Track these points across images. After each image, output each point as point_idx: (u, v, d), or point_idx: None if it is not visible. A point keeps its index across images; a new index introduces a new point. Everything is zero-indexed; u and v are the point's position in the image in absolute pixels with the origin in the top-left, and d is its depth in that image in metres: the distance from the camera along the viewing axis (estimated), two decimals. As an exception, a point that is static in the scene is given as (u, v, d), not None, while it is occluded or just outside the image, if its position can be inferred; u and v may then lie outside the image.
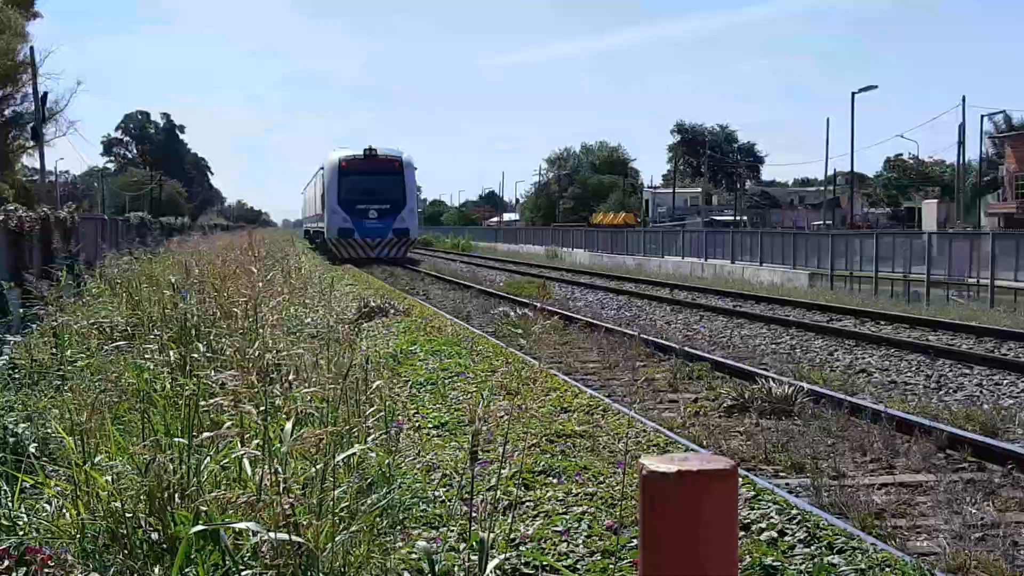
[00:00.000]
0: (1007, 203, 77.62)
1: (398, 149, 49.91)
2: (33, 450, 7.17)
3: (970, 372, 16.21)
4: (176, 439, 5.54)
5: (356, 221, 47.47)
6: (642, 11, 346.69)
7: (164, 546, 4.89)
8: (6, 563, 4.86)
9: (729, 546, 1.57)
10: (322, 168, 52.19)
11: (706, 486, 1.49)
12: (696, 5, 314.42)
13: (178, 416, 6.59)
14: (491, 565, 4.71)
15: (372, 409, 7.83)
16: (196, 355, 8.51)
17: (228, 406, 4.73)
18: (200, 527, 4.60)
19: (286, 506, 4.22)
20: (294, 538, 4.40)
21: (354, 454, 5.86)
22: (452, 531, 6.50)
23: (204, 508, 4.85)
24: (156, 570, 4.76)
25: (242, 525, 4.38)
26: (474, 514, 6.70)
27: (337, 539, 4.73)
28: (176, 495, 5.06)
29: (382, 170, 47.87)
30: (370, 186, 47.43)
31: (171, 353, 8.61)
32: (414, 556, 5.63)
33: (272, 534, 4.33)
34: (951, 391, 14.75)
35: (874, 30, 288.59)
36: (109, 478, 5.09)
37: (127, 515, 4.95)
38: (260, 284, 9.26)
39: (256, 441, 4.86)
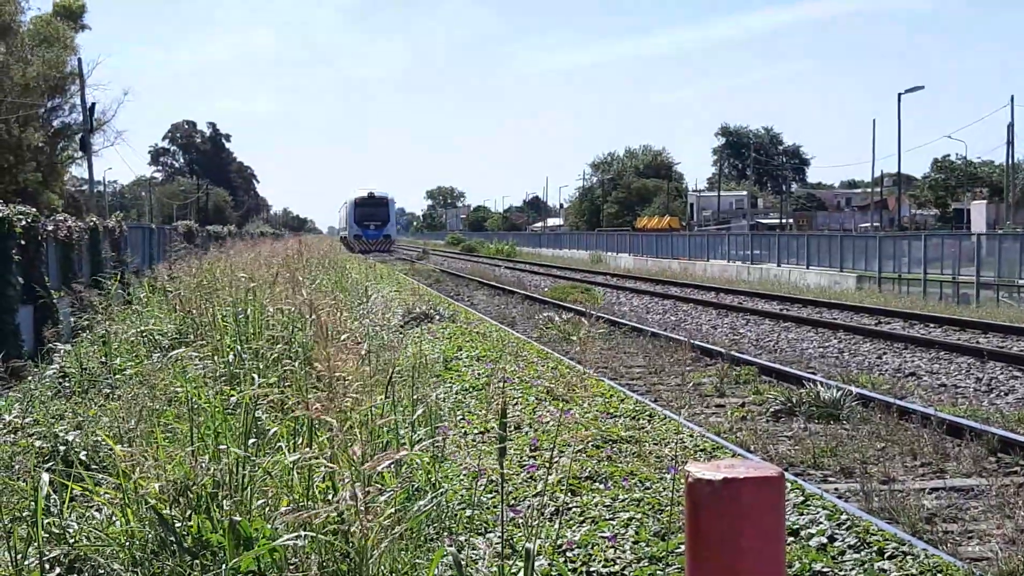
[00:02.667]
0: (1057, 203, 76.60)
1: (387, 192, 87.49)
2: (83, 458, 7.24)
3: (1021, 375, 16.00)
4: (232, 448, 5.57)
5: (363, 231, 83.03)
6: (688, 13, 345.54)
7: (209, 553, 4.91)
8: (57, 571, 4.91)
9: (776, 553, 1.55)
10: (346, 202, 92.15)
11: (752, 493, 1.48)
12: (741, 6, 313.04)
13: (227, 425, 6.63)
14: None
15: (418, 414, 7.85)
16: (244, 363, 8.56)
17: (313, 415, 4.74)
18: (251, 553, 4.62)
19: (334, 512, 4.23)
20: (329, 542, 4.41)
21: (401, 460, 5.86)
22: (499, 537, 6.49)
23: (241, 517, 4.88)
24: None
25: (288, 540, 4.39)
26: (520, 520, 6.70)
27: (383, 544, 4.74)
28: (225, 501, 5.09)
29: (377, 204, 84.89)
30: (370, 212, 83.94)
31: (221, 360, 8.67)
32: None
33: (318, 538, 4.33)
34: (1002, 394, 14.57)
35: (921, 30, 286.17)
36: (157, 486, 5.13)
37: (175, 523, 4.98)
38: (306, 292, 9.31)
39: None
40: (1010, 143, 70.55)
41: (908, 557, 6.28)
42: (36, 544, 5.07)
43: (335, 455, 4.80)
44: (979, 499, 9.03)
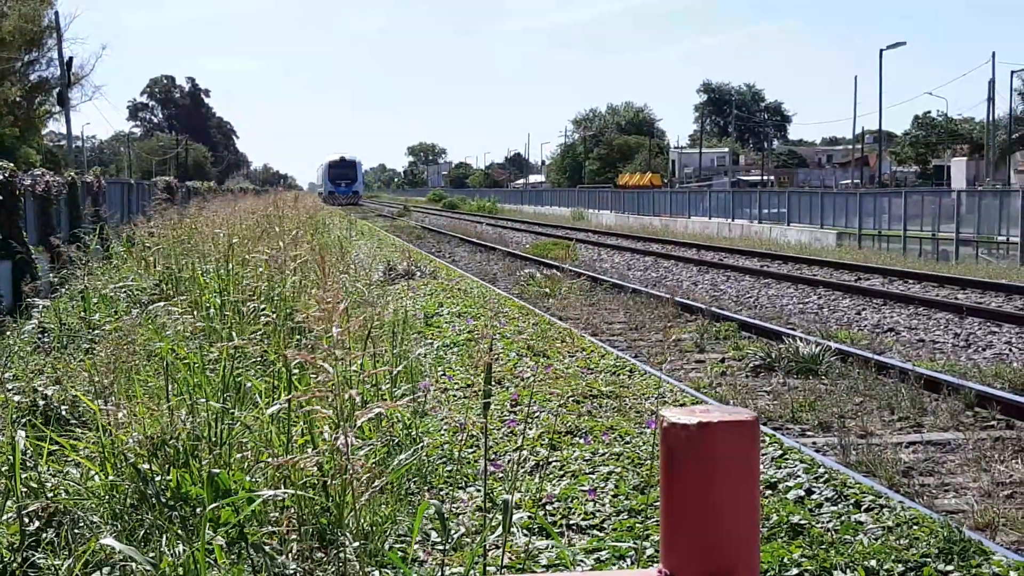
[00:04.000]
0: (1037, 160, 76.80)
1: (355, 155, 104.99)
2: (63, 412, 7.23)
3: (999, 330, 16.10)
4: (209, 402, 5.57)
5: (336, 187, 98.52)
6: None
7: (188, 506, 4.92)
8: (36, 524, 4.91)
9: (751, 497, 1.55)
10: (322, 163, 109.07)
11: (727, 437, 1.48)
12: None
13: (205, 379, 6.62)
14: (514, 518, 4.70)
15: (399, 369, 7.85)
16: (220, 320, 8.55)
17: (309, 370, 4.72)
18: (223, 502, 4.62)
19: (314, 465, 4.23)
20: (308, 496, 4.41)
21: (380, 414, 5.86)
22: (479, 491, 6.52)
23: (220, 470, 4.88)
24: (181, 532, 4.79)
25: (268, 494, 4.39)
26: (500, 474, 6.73)
27: (364, 498, 4.75)
28: (202, 455, 5.09)
29: (347, 166, 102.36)
30: (341, 172, 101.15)
31: (201, 315, 8.65)
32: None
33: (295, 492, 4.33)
34: (980, 349, 14.66)
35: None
36: (133, 439, 5.13)
37: (154, 476, 4.99)
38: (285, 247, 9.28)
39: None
40: (991, 100, 70.63)
41: (885, 510, 6.34)
42: (15, 497, 5.06)
43: (321, 401, 4.80)
44: (956, 453, 9.10)
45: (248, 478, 4.94)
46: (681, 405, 9.07)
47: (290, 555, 4.57)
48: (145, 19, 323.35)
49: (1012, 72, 74.81)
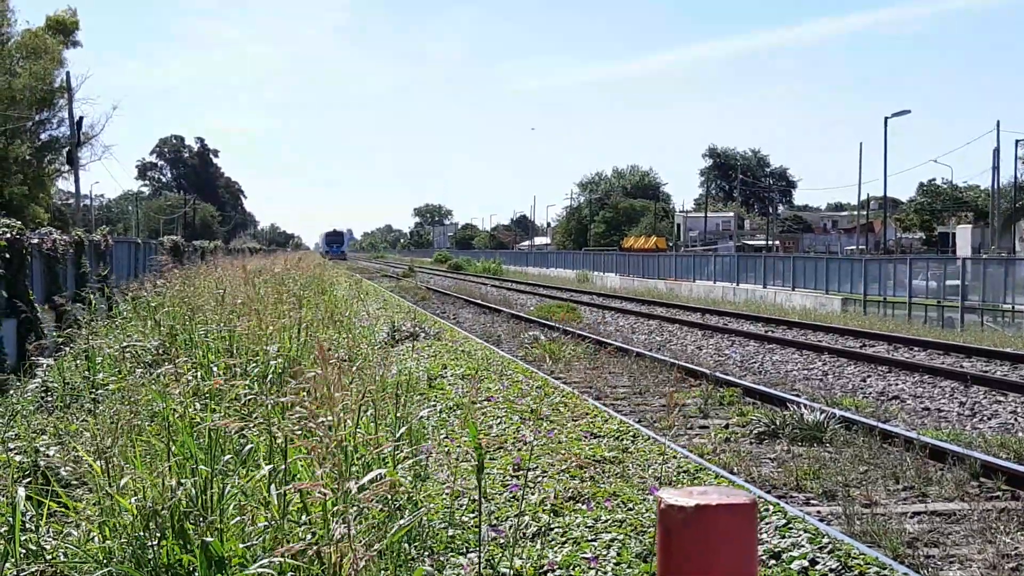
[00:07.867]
0: (1042, 228, 76.86)
1: (344, 227, 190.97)
2: (64, 473, 7.20)
3: (1004, 399, 16.04)
4: (200, 467, 5.54)
5: (330, 248, 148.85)
6: (677, 34, 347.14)
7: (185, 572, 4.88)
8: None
9: (750, 579, 1.54)
10: (322, 233, 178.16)
11: (724, 520, 1.47)
12: (728, 29, 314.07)
13: (206, 443, 6.60)
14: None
15: (401, 431, 7.82)
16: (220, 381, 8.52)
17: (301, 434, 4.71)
18: None
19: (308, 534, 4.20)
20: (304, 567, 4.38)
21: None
22: (480, 558, 6.46)
23: (213, 539, 4.85)
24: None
25: (261, 568, 4.36)
26: (502, 540, 6.68)
27: (360, 563, 4.71)
28: (198, 520, 5.06)
29: (338, 234, 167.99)
30: (334, 239, 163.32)
31: (196, 375, 8.62)
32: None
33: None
34: (985, 418, 14.60)
35: (909, 55, 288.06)
36: (133, 501, 5.10)
37: (151, 541, 4.95)
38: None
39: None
40: (995, 168, 70.83)
41: (889, 581, 6.28)
42: (13, 560, 5.03)
43: (326, 482, 4.78)
44: (961, 523, 9.03)
45: (243, 545, 4.90)
46: (684, 472, 9.04)
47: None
48: (157, 80, 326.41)
49: (1016, 141, 75.07)
